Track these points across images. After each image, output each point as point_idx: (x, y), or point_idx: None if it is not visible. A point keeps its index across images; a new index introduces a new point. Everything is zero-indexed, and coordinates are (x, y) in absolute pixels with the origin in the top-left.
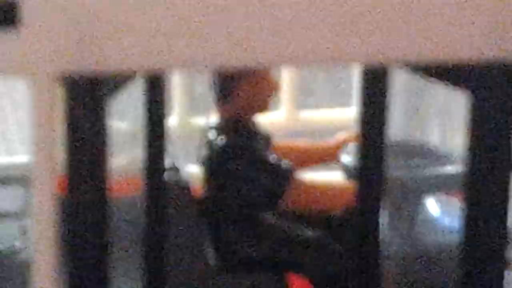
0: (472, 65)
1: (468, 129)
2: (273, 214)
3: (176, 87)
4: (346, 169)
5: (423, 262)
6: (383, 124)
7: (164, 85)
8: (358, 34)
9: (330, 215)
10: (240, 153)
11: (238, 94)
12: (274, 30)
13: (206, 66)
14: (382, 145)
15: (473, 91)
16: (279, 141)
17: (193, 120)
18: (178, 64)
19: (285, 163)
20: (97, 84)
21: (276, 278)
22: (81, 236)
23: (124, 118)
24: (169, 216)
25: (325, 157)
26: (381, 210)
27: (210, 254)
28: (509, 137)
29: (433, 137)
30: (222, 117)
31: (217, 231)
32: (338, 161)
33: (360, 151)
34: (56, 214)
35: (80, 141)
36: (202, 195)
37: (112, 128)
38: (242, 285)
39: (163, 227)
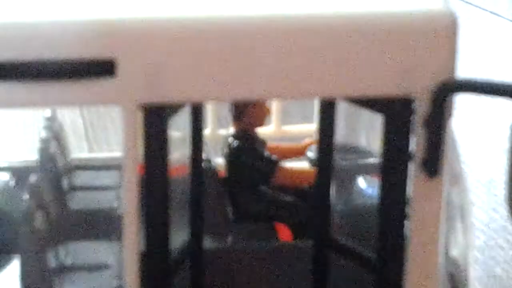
0: (384, 96)
1: (382, 137)
2: (267, 187)
3: (209, 109)
4: (310, 160)
5: (357, 215)
6: (332, 133)
7: (202, 110)
8: (312, 75)
9: (301, 188)
10: (247, 151)
11: (245, 114)
12: (267, 81)
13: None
14: (331, 146)
15: (384, 113)
16: (270, 144)
17: (220, 131)
18: (213, 96)
19: (274, 156)
20: (164, 110)
21: (269, 226)
22: (151, 200)
23: (178, 130)
24: (205, 188)
25: (298, 153)
26: (331, 185)
27: (230, 211)
28: (407, 141)
29: (362, 141)
30: (236, 129)
31: (234, 197)
32: (305, 155)
33: (318, 149)
34: (137, 186)
35: (152, 144)
36: (224, 175)
37: (171, 136)
38: (249, 230)
39: (201, 195)
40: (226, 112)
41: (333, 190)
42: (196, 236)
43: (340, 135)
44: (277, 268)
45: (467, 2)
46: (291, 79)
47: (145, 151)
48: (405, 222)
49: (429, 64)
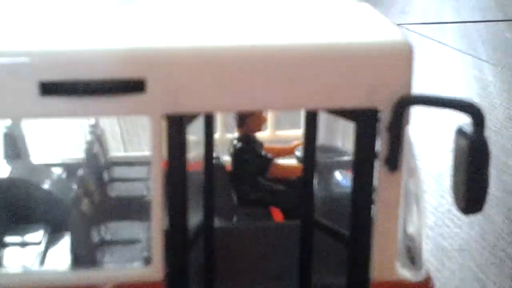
0: (355, 108)
1: (354, 140)
2: (264, 179)
3: (219, 118)
4: (297, 158)
5: (334, 201)
6: (315, 137)
7: (213, 118)
8: (299, 92)
9: (290, 180)
10: (248, 151)
11: (247, 122)
12: (264, 96)
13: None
14: (315, 147)
15: (356, 121)
16: (266, 145)
17: (227, 135)
18: (222, 108)
19: (269, 155)
20: (183, 119)
21: (265, 209)
22: (173, 189)
23: (194, 134)
24: (215, 180)
25: (288, 152)
26: (314, 178)
27: (234, 197)
28: (373, 143)
29: (339, 143)
30: (239, 133)
31: (238, 186)
32: (294, 154)
33: (304, 150)
34: (162, 178)
35: (174, 146)
36: (230, 169)
37: (189, 139)
38: (249, 212)
39: (212, 185)
40: (232, 120)
41: (315, 181)
42: (208, 217)
43: (322, 138)
44: (272, 243)
45: (420, 35)
46: (282, 95)
47: (168, 151)
48: (372, 206)
49: (391, 82)
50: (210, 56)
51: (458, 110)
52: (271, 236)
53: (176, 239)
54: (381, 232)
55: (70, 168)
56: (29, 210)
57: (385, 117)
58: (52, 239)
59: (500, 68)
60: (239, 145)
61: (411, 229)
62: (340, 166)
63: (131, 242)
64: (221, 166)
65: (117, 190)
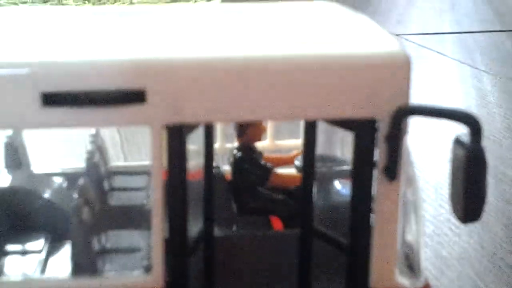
0: (354, 118)
1: (353, 149)
2: (264, 188)
3: (218, 128)
4: (297, 167)
5: (334, 210)
6: (314, 147)
7: (213, 128)
8: (298, 103)
9: (289, 189)
10: (248, 160)
11: (246, 132)
12: (263, 107)
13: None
14: (314, 156)
15: (354, 131)
16: (266, 155)
17: (227, 145)
18: (221, 118)
19: (269, 164)
20: (183, 129)
21: (265, 218)
22: (173, 198)
23: (194, 144)
24: (215, 189)
25: (287, 162)
26: (313, 186)
27: (234, 206)
28: (372, 153)
29: (337, 152)
30: (239, 143)
31: (237, 195)
32: (294, 164)
33: (303, 159)
34: (162, 187)
35: (174, 155)
36: (230, 179)
37: (189, 149)
38: (249, 221)
39: (212, 194)
40: (232, 130)
41: (315, 191)
42: (208, 226)
43: (321, 148)
44: (271, 251)
45: (419, 45)
46: (282, 106)
47: (168, 161)
48: (371, 215)
49: (389, 93)
50: (210, 67)
51: (456, 121)
52: (270, 244)
53: (176, 248)
54: (380, 240)
55: (70, 178)
56: (30, 218)
57: (383, 127)
58: (52, 248)
59: (498, 78)
60: (239, 154)
61: (409, 237)
62: (339, 175)
63: (132, 250)
64: (221, 176)
65: (117, 199)
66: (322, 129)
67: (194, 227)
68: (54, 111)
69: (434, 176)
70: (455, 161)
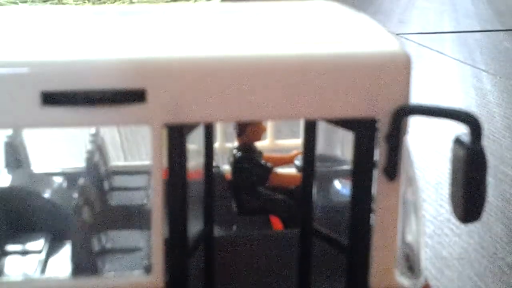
0: (354, 118)
1: (353, 149)
2: (264, 188)
3: (218, 128)
4: (297, 167)
5: (334, 210)
6: (314, 146)
7: (213, 128)
8: (298, 102)
9: (289, 188)
10: (247, 160)
11: (246, 131)
12: (263, 106)
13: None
14: (314, 156)
15: (354, 131)
16: (266, 154)
17: (227, 144)
18: (221, 117)
19: (269, 164)
20: (183, 128)
21: (265, 218)
22: (173, 198)
23: (194, 143)
24: (215, 188)
25: (287, 162)
26: (313, 186)
27: (234, 206)
28: (372, 152)
29: (337, 152)
30: (239, 143)
31: (237, 195)
32: (293, 163)
33: (303, 159)
34: (162, 187)
35: (174, 155)
36: (230, 178)
37: (189, 148)
38: (249, 221)
39: (212, 194)
40: (232, 130)
41: (315, 190)
42: (208, 226)
43: (321, 147)
44: (271, 251)
45: (419, 44)
46: (282, 105)
47: (169, 160)
48: (371, 215)
49: (389, 93)
50: (210, 66)
51: (456, 120)
52: (270, 244)
53: (176, 248)
54: (380, 240)
55: (70, 177)
56: (30, 218)
57: (383, 127)
58: (53, 248)
59: (499, 78)
60: (239, 154)
61: (409, 238)
62: (339, 175)
63: (132, 250)
64: (221, 175)
65: (117, 199)
66: (322, 128)
67: (194, 227)
68: (54, 110)
69: (434, 176)
70: (455, 160)
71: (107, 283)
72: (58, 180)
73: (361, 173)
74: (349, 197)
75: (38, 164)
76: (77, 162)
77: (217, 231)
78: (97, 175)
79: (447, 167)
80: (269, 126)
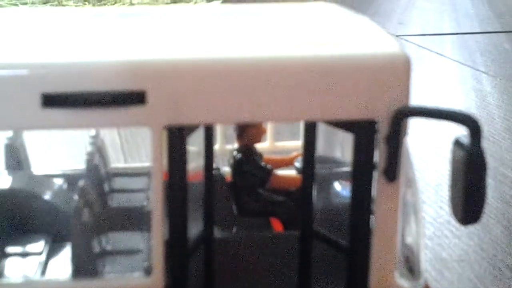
0: (354, 119)
1: (352, 151)
2: (264, 190)
3: (218, 130)
4: (297, 169)
5: (334, 211)
6: (314, 148)
7: (213, 130)
8: (298, 104)
9: (289, 190)
10: (247, 162)
11: (246, 133)
12: (263, 108)
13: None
14: (313, 158)
15: (354, 132)
16: (266, 156)
17: (227, 146)
18: (221, 119)
19: (269, 166)
20: (183, 130)
21: (265, 220)
22: (173, 200)
23: (194, 145)
24: (215, 190)
25: (287, 163)
26: (313, 188)
27: (234, 208)
28: (372, 154)
29: (337, 154)
30: (239, 144)
31: (238, 197)
32: (293, 165)
33: (303, 160)
34: (162, 189)
35: (174, 157)
36: (230, 180)
37: (189, 150)
38: (249, 223)
39: (212, 196)
40: (232, 132)
41: (315, 192)
42: (208, 228)
43: (320, 149)
44: (272, 253)
45: (419, 46)
46: (282, 107)
47: (169, 162)
48: (371, 216)
49: (389, 94)
50: (210, 68)
51: (455, 122)
52: (270, 246)
53: (177, 249)
54: (380, 242)
55: (71, 179)
56: (30, 220)
57: (383, 129)
58: (53, 249)
59: (499, 79)
60: (239, 156)
61: (409, 239)
62: (339, 176)
63: (132, 252)
64: (221, 177)
65: (117, 201)
66: (322, 130)
67: (194, 229)
68: (54, 112)
69: (434, 178)
70: (455, 162)
71: (107, 285)
72: (58, 182)
73: (361, 174)
74: (349, 199)
75: (38, 166)
76: (77, 164)
77: (217, 233)
78: (97, 177)
79: (447, 169)
80: (269, 128)
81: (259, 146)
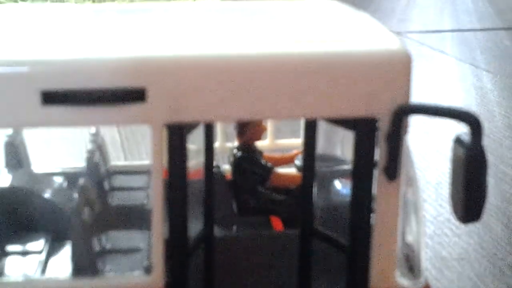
0: (354, 117)
1: (353, 149)
2: (264, 188)
3: (219, 127)
4: (297, 167)
5: (334, 209)
6: (314, 146)
7: (213, 127)
8: (299, 101)
9: (290, 188)
10: (248, 160)
11: (247, 131)
12: (264, 106)
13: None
14: (314, 155)
15: (355, 130)
16: (266, 154)
17: (227, 144)
18: (222, 117)
19: (269, 164)
20: (183, 128)
21: (265, 218)
22: (173, 198)
23: (194, 143)
24: (215, 188)
25: (288, 161)
26: (314, 186)
27: (234, 206)
28: (372, 152)
29: (338, 152)
30: (239, 142)
31: (238, 195)
32: (294, 163)
33: (303, 158)
34: (162, 187)
35: (174, 154)
36: (230, 179)
37: (189, 148)
38: (249, 221)
39: (212, 194)
40: (232, 130)
41: (315, 190)
42: (208, 226)
43: (321, 147)
44: (272, 251)
45: (420, 43)
46: (282, 104)
47: (169, 160)
48: (371, 215)
49: (390, 92)
50: (211, 65)
51: (456, 120)
52: (270, 245)
53: (177, 248)
54: (380, 240)
55: (71, 177)
56: (30, 219)
57: (383, 126)
58: (53, 248)
59: (499, 76)
60: (239, 154)
61: (410, 238)
62: (339, 175)
63: (132, 251)
64: (221, 175)
65: (117, 199)
66: (322, 128)
67: (194, 227)
68: (54, 109)
69: (434, 176)
70: (455, 160)
71: (107, 284)
72: (58, 180)
73: (361, 173)
74: (349, 197)
75: (38, 164)
76: (77, 162)
77: (217, 231)
78: (97, 175)
79: (447, 167)
80: (270, 125)
81: (259, 144)
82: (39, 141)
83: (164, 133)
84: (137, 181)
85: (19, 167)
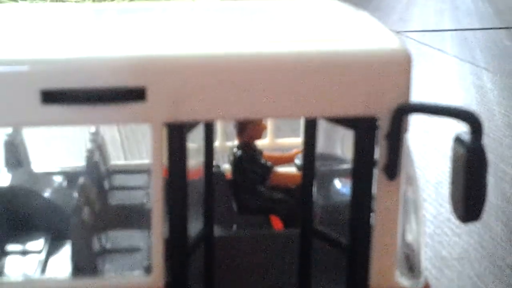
0: (354, 116)
1: (353, 148)
2: (264, 187)
3: (219, 126)
4: (297, 166)
5: (334, 209)
6: (314, 145)
7: (213, 126)
8: (299, 100)
9: (289, 188)
10: (248, 159)
11: (247, 130)
12: (264, 105)
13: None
14: (314, 155)
15: (355, 129)
16: (266, 153)
17: (227, 143)
18: (221, 116)
19: (269, 163)
20: (183, 127)
21: (265, 217)
22: (173, 197)
23: (194, 142)
24: (215, 188)
25: (287, 160)
26: (313, 185)
27: (234, 205)
28: (372, 151)
29: (338, 151)
30: (239, 141)
31: (237, 194)
32: (294, 162)
33: (303, 157)
34: (162, 186)
35: (174, 154)
36: (230, 178)
37: (189, 147)
38: (249, 221)
39: (212, 193)
40: (232, 129)
41: (315, 190)
42: (208, 225)
43: (321, 146)
44: (272, 251)
45: (420, 42)
46: (282, 103)
47: (169, 159)
48: (371, 214)
49: (389, 91)
50: (210, 64)
51: (456, 119)
52: (270, 244)
53: (176, 247)
54: (380, 240)
55: (70, 176)
56: (30, 218)
57: (383, 125)
58: (53, 247)
59: (499, 76)
60: (239, 153)
61: (410, 237)
62: (339, 174)
63: (132, 250)
64: (221, 174)
65: (117, 198)
66: (322, 127)
67: (194, 227)
68: (54, 108)
69: (434, 175)
70: (455, 159)
71: (107, 284)
72: (58, 179)
73: (361, 172)
74: (349, 196)
75: (38, 163)
76: (77, 161)
77: (217, 231)
78: (97, 174)
79: (447, 166)
80: (269, 124)
81: (259, 143)
82: (39, 140)
83: (164, 132)
84: (137, 180)
85: (19, 166)
